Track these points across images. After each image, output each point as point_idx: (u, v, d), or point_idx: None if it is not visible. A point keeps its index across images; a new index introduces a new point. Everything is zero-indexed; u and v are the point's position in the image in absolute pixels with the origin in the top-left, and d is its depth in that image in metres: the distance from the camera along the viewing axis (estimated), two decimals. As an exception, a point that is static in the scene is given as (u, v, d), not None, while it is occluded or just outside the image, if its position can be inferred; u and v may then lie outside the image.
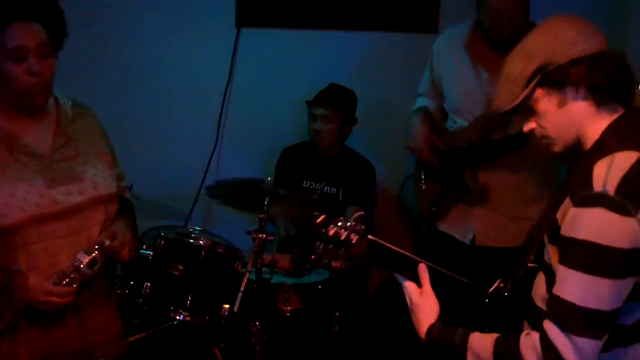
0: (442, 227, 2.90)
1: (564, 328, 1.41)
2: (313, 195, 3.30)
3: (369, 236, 1.67)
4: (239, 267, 2.66)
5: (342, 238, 1.65)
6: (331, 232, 1.65)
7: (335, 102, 3.24)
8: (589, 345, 1.39)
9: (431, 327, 1.61)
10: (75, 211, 1.93)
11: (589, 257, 1.40)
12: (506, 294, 1.66)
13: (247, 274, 2.58)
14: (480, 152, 2.69)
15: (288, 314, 2.80)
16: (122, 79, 3.62)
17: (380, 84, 3.54)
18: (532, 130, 1.62)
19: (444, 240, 2.88)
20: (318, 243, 1.67)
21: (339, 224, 1.67)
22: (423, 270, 1.65)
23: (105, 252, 1.95)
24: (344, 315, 2.70)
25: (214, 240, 2.82)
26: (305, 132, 3.37)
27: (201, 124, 3.65)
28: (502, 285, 1.68)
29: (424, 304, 1.63)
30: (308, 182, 3.35)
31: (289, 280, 2.87)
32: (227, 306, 2.54)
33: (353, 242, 1.65)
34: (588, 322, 1.40)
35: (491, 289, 1.68)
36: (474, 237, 2.79)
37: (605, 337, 1.42)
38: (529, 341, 1.46)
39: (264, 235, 2.61)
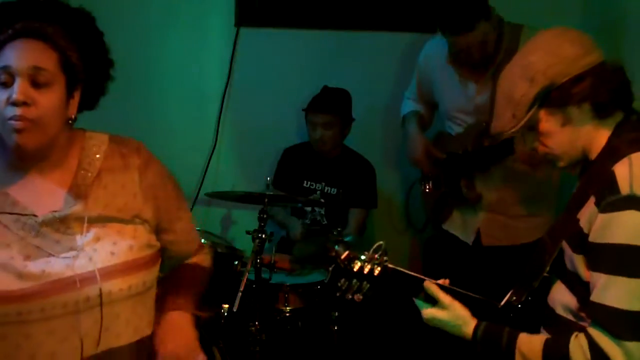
0: (447, 228, 2.95)
1: (612, 333, 1.40)
2: (313, 195, 3.31)
3: (389, 265, 1.67)
4: (239, 267, 2.66)
5: (366, 272, 1.65)
6: (356, 268, 1.65)
7: (334, 106, 3.24)
8: (638, 348, 1.39)
9: (477, 326, 1.59)
10: (58, 290, 1.41)
11: (628, 261, 1.40)
12: (520, 306, 1.64)
13: (247, 274, 2.58)
14: (474, 159, 2.73)
15: (288, 314, 2.79)
16: (121, 79, 3.57)
17: (380, 84, 3.53)
18: (535, 149, 1.61)
19: (449, 241, 2.93)
20: (343, 280, 1.65)
21: (362, 257, 1.66)
22: (429, 285, 1.64)
23: None
24: (344, 315, 2.69)
25: (214, 240, 2.81)
26: (305, 132, 3.37)
27: (200, 123, 3.64)
28: (514, 297, 1.66)
29: (450, 313, 1.62)
30: (308, 183, 3.35)
31: (289, 280, 2.86)
32: (226, 306, 2.53)
33: (375, 274, 1.65)
34: (635, 325, 1.40)
35: (503, 301, 1.67)
36: (478, 238, 2.82)
37: None
38: (577, 345, 1.45)
39: (264, 235, 2.61)
